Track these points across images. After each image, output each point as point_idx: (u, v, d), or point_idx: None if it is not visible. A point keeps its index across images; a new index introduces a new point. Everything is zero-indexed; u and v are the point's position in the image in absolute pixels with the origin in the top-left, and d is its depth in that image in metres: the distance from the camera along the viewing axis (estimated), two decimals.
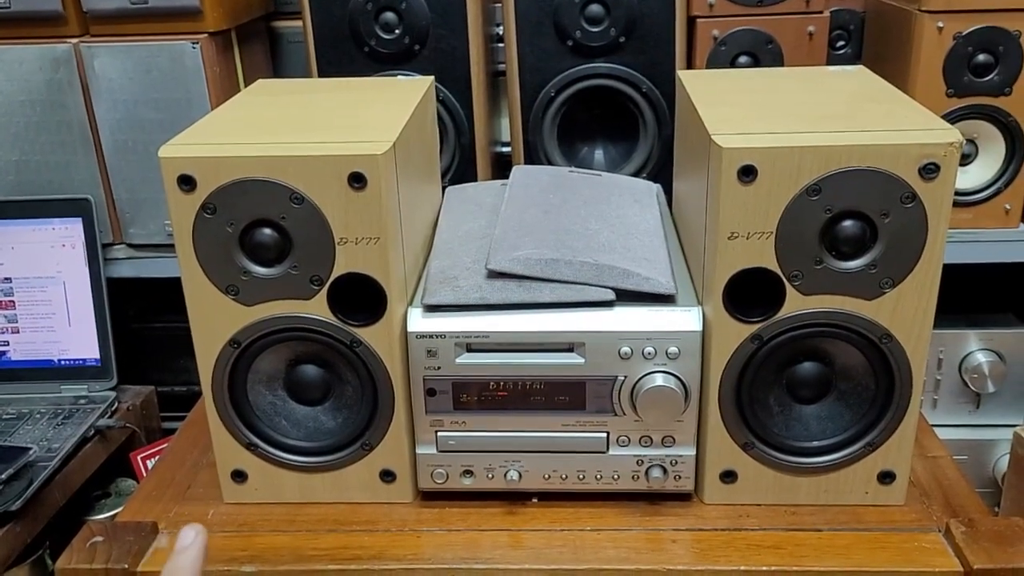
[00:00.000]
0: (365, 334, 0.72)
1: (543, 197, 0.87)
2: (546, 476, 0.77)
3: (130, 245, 1.30)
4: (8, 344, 1.28)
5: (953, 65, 1.17)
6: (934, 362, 1.32)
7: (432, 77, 0.95)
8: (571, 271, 0.73)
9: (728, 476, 0.76)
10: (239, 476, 0.78)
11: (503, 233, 0.78)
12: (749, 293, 0.70)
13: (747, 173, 0.66)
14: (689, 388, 0.73)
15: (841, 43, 1.36)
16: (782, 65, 1.19)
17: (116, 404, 1.25)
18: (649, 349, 0.72)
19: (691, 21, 1.20)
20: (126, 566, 0.70)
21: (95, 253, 1.26)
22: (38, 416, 1.20)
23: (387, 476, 0.77)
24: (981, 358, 1.31)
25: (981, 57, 1.16)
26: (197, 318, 0.72)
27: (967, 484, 0.79)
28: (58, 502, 1.10)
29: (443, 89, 1.19)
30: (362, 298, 0.71)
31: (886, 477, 0.75)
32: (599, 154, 1.25)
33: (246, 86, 1.27)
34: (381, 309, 0.71)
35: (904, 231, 0.67)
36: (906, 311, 0.69)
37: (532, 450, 0.76)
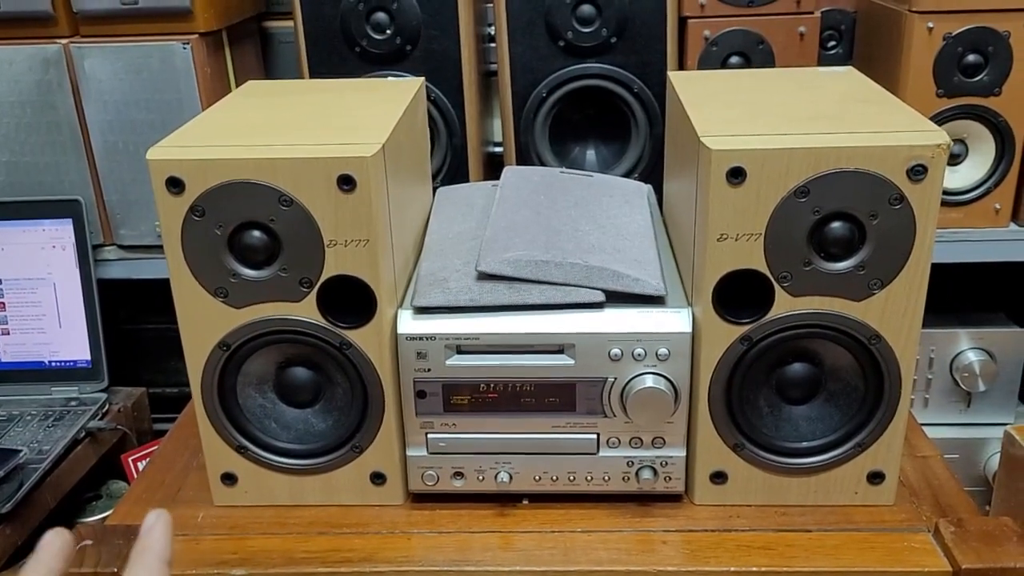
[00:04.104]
0: (355, 336, 0.72)
1: (534, 198, 0.87)
2: (536, 478, 0.77)
3: (121, 246, 1.30)
4: None
5: (943, 65, 1.17)
6: (925, 361, 1.33)
7: (422, 78, 0.95)
8: (561, 273, 0.73)
9: (718, 477, 0.76)
10: (229, 479, 0.78)
11: (493, 235, 0.78)
12: (738, 294, 0.70)
13: (736, 175, 0.66)
14: (679, 389, 0.73)
15: (832, 43, 1.36)
16: (773, 65, 1.20)
17: (107, 406, 1.25)
18: (639, 350, 0.72)
19: (682, 21, 1.20)
20: (115, 570, 0.70)
21: (85, 254, 1.25)
22: (28, 418, 1.20)
23: (377, 478, 0.77)
24: (972, 357, 1.32)
25: (971, 57, 1.17)
26: (186, 321, 0.72)
27: (956, 484, 0.79)
28: (49, 504, 1.09)
29: (435, 89, 1.18)
30: (352, 300, 0.71)
31: (875, 477, 0.75)
32: (591, 154, 1.25)
33: (237, 86, 1.27)
34: (371, 311, 0.71)
35: (892, 232, 0.67)
36: (895, 312, 0.70)
37: (522, 452, 0.76)
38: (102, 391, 1.26)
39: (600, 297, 0.73)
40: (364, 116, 0.79)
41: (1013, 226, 1.26)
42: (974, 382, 1.32)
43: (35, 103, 1.23)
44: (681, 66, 1.21)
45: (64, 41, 1.21)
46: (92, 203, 1.27)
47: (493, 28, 1.19)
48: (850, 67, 0.91)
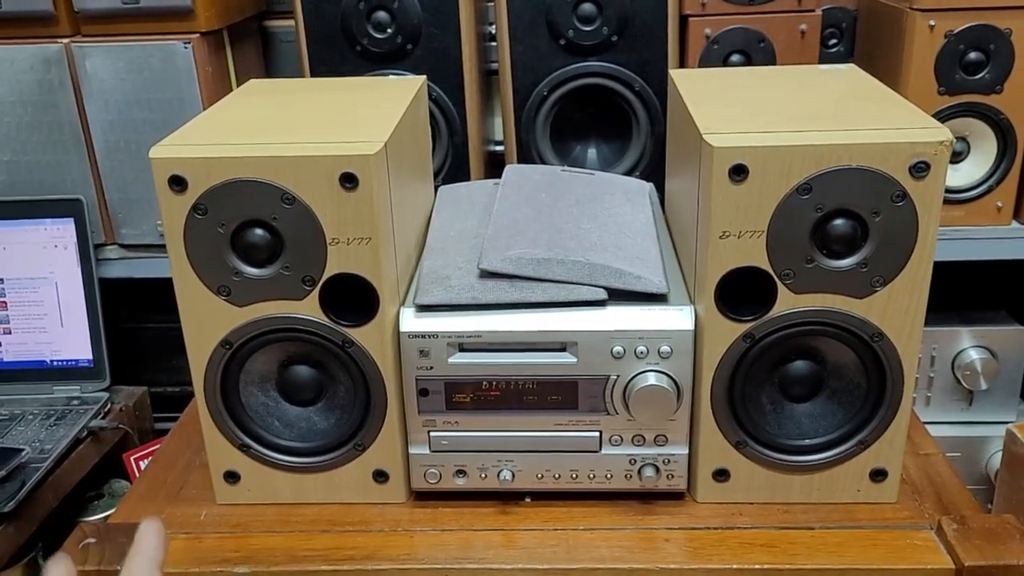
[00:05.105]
0: (357, 334, 0.72)
1: (535, 196, 0.87)
2: (539, 476, 0.77)
3: (122, 245, 1.30)
4: (0, 345, 1.28)
5: (945, 63, 1.17)
6: (927, 360, 1.33)
7: (424, 77, 0.95)
8: (563, 270, 0.73)
9: (721, 475, 0.76)
10: (232, 477, 0.78)
11: (495, 233, 0.78)
12: (741, 292, 0.70)
13: (738, 172, 0.66)
14: (681, 387, 0.73)
15: (833, 41, 1.36)
16: (774, 63, 1.20)
17: (109, 405, 1.25)
18: (641, 348, 0.72)
19: (683, 20, 1.20)
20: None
21: (87, 253, 1.26)
22: (31, 417, 1.20)
23: (380, 476, 0.77)
24: (974, 355, 1.32)
25: (972, 55, 1.17)
26: (189, 319, 0.72)
27: (959, 481, 0.79)
28: (51, 503, 1.09)
29: (436, 88, 1.19)
30: (354, 298, 0.71)
31: (878, 475, 0.75)
32: (592, 153, 1.25)
33: (238, 85, 1.27)
34: (373, 309, 0.71)
35: (895, 229, 0.67)
36: (897, 309, 0.70)
37: (525, 450, 0.76)
38: (104, 390, 1.27)
39: (602, 295, 0.73)
40: (366, 115, 0.79)
41: (1015, 224, 1.26)
42: (976, 380, 1.32)
43: (37, 102, 1.23)
44: (682, 64, 1.21)
45: (65, 40, 1.21)
46: (93, 202, 1.27)
47: (494, 27, 1.19)
48: (851, 64, 0.91)
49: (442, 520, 0.76)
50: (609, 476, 0.77)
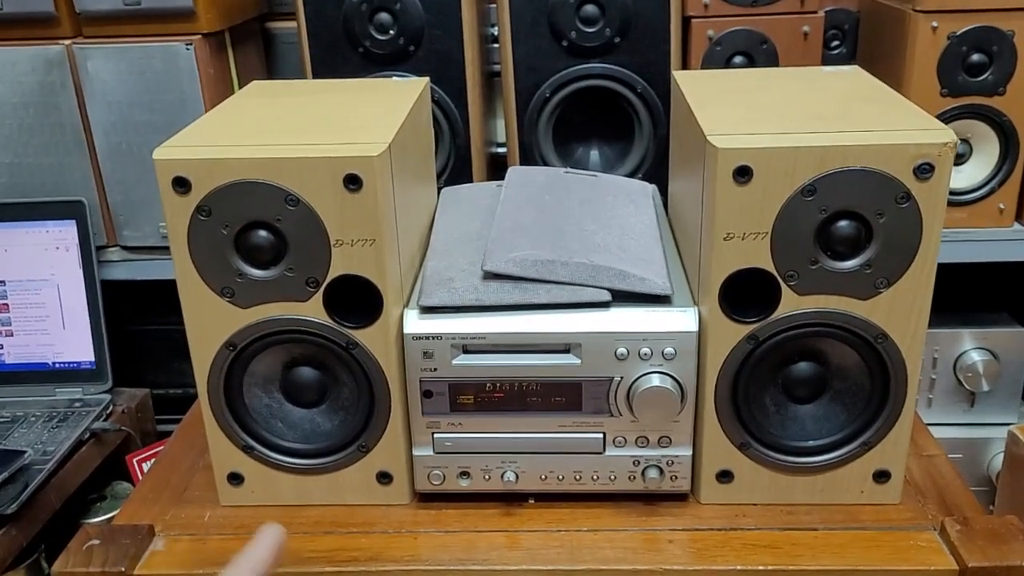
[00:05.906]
0: (361, 336, 0.72)
1: (539, 198, 0.87)
2: (543, 477, 0.77)
3: (124, 247, 1.30)
4: (2, 347, 1.28)
5: (947, 65, 1.17)
6: (929, 361, 1.33)
7: (427, 78, 0.95)
8: (567, 272, 0.73)
9: (724, 476, 0.76)
10: (235, 479, 0.78)
11: (499, 234, 0.78)
12: (745, 293, 0.70)
13: (742, 174, 0.66)
14: (685, 388, 0.73)
15: (836, 43, 1.36)
16: (777, 65, 1.20)
17: (111, 407, 1.25)
18: (645, 350, 0.72)
19: (686, 21, 1.20)
20: (123, 569, 0.70)
21: (89, 255, 1.26)
22: (33, 419, 1.20)
23: (384, 478, 0.77)
24: (976, 357, 1.32)
25: (975, 57, 1.17)
26: (193, 321, 0.72)
27: (962, 483, 0.79)
28: (53, 505, 1.09)
29: (438, 90, 1.19)
30: (358, 300, 0.71)
31: (881, 476, 0.75)
32: (595, 154, 1.25)
33: (240, 87, 1.27)
34: (377, 311, 0.71)
35: (899, 231, 0.67)
36: (901, 311, 0.70)
37: (529, 451, 0.76)
38: (106, 392, 1.27)
39: (606, 296, 0.73)
40: (369, 116, 0.79)
41: (1017, 226, 1.26)
42: (978, 382, 1.32)
43: (38, 104, 1.23)
44: (685, 66, 1.21)
45: (67, 42, 1.21)
46: (95, 204, 1.27)
47: (496, 28, 1.20)
48: (855, 66, 0.91)
49: (446, 521, 0.76)
50: (613, 477, 0.77)
